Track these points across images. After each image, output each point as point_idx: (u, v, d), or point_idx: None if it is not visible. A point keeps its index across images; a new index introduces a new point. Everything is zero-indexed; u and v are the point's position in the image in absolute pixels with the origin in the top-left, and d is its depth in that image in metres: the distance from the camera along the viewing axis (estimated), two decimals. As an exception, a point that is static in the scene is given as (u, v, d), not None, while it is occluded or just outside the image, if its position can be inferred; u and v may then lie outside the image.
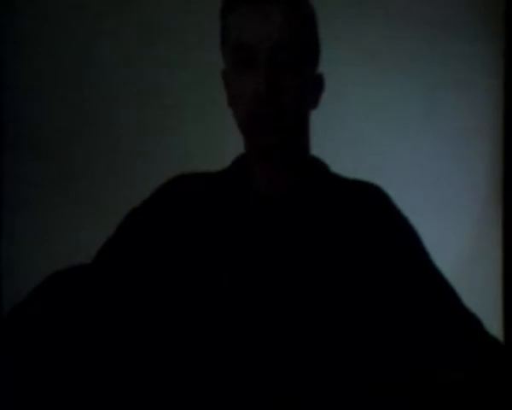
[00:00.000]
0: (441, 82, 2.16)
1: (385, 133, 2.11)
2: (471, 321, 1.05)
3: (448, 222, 2.13)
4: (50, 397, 0.97)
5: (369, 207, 1.11)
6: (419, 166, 2.13)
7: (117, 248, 1.11)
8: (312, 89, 1.11)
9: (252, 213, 1.10)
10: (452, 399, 0.98)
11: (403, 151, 2.12)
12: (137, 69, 2.02)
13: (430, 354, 1.03)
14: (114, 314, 1.06)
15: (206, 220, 1.10)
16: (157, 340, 1.07)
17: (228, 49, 1.09)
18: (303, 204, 1.10)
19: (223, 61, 1.12)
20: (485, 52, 2.18)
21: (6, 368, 0.97)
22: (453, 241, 2.13)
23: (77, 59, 1.99)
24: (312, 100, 1.12)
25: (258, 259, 1.06)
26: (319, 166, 1.16)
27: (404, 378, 1.03)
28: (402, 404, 1.02)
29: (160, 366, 1.05)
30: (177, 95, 2.02)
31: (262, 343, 1.02)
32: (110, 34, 2.01)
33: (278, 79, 1.03)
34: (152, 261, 1.09)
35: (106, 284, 1.07)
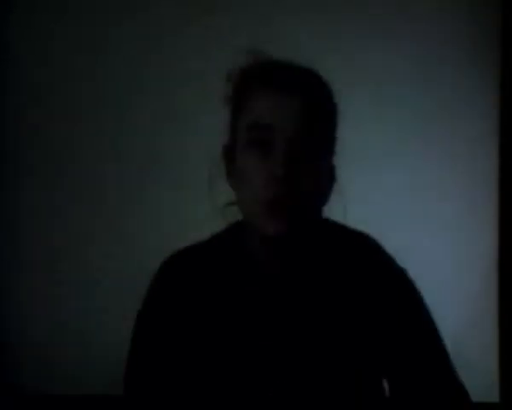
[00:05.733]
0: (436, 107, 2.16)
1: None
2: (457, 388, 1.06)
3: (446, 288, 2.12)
4: None
5: (366, 262, 1.09)
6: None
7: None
8: (327, 181, 1.08)
9: (248, 280, 1.08)
10: None
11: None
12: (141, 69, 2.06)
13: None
14: None
15: (210, 297, 1.08)
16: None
17: (242, 126, 1.04)
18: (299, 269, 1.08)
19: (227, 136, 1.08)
20: (481, 76, 2.18)
21: None
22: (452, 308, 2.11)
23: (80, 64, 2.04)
24: (325, 192, 1.08)
25: (260, 320, 1.06)
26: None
27: None
28: None
29: None
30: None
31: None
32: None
33: (296, 164, 0.99)
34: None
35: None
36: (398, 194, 2.16)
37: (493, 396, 2.10)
